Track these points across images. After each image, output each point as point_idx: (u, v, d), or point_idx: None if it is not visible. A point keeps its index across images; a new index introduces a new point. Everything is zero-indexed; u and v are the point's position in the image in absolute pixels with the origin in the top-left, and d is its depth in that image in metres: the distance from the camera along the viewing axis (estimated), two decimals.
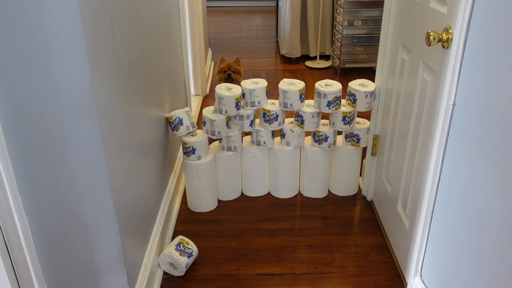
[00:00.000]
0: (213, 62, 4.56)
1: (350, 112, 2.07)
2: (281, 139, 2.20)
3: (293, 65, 4.57)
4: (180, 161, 2.38)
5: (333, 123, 2.11)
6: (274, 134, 2.18)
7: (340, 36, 4.07)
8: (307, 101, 2.13)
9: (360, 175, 2.34)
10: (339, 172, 2.25)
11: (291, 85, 2.03)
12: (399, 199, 1.78)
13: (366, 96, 2.02)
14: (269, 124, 2.10)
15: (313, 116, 2.07)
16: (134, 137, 1.53)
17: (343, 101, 2.10)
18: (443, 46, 1.32)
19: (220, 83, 2.71)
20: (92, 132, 1.17)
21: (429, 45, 1.32)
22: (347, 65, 4.19)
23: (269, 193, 2.33)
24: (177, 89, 2.45)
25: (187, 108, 2.05)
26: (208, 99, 3.65)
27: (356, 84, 2.05)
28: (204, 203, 2.18)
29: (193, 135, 2.08)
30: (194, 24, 3.39)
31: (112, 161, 1.27)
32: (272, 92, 3.72)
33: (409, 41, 1.68)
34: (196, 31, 3.43)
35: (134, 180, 1.52)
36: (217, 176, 2.20)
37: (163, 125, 2.00)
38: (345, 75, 4.20)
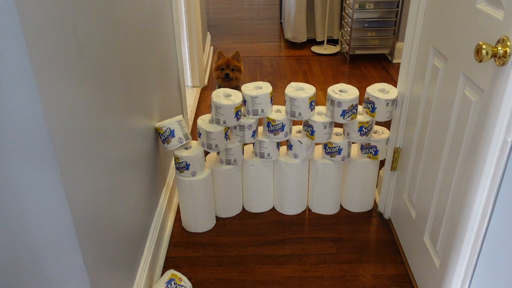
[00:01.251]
0: (212, 48, 4.24)
1: (367, 122, 1.79)
2: (287, 150, 1.93)
3: (298, 50, 4.25)
4: (173, 171, 2.12)
5: (348, 134, 1.84)
6: (279, 144, 1.91)
7: (350, 20, 3.73)
8: (317, 108, 1.85)
9: (376, 187, 2.08)
10: (353, 187, 1.99)
11: (300, 91, 1.75)
12: (427, 229, 1.52)
13: (388, 104, 1.74)
14: (274, 134, 1.82)
15: (325, 127, 1.79)
16: (113, 156, 1.27)
17: (360, 108, 1.82)
18: (497, 62, 1.03)
19: (217, 81, 2.43)
20: (47, 171, 0.91)
21: (480, 61, 1.04)
22: (357, 52, 3.87)
23: (273, 209, 2.07)
24: (170, 88, 2.16)
25: (180, 117, 1.78)
26: (206, 90, 3.36)
27: (376, 90, 1.77)
28: (200, 223, 1.93)
29: (186, 148, 1.81)
30: (190, 6, 3.06)
31: (79, 201, 1.01)
32: (276, 83, 3.43)
33: (444, 46, 1.38)
34: (193, 15, 3.10)
35: (114, 211, 1.26)
36: (215, 191, 1.94)
37: (152, 135, 1.73)
38: (355, 62, 3.88)
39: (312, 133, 1.81)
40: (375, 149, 1.88)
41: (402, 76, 1.74)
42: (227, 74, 2.37)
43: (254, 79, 3.57)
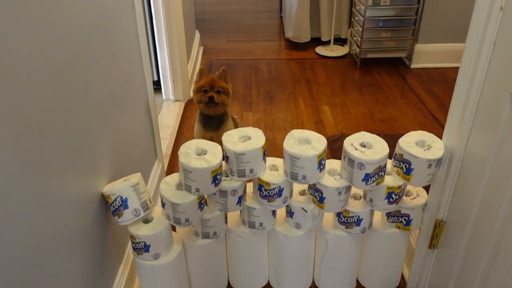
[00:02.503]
0: (202, 48, 3.69)
1: (399, 187, 1.28)
2: (287, 216, 1.42)
3: (301, 51, 3.70)
4: None
5: (371, 200, 1.33)
6: (275, 210, 1.40)
7: (361, 18, 3.18)
8: (329, 163, 1.33)
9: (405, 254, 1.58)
10: (375, 262, 1.49)
11: (305, 147, 1.23)
12: None
13: (430, 165, 1.22)
14: (269, 201, 1.31)
15: (339, 193, 1.28)
16: (22, 239, 0.77)
17: (388, 164, 1.30)
18: None
19: (198, 106, 1.91)
20: None
21: None
22: (369, 55, 3.32)
23: (268, 285, 1.57)
24: (133, 120, 1.65)
25: (136, 179, 1.26)
26: (191, 105, 2.83)
27: (412, 144, 1.24)
28: None
29: (147, 220, 1.31)
30: (169, 6, 2.52)
31: None
32: (275, 95, 2.89)
33: None
34: (173, 16, 2.56)
35: None
36: (189, 270, 1.44)
37: (97, 201, 1.23)
38: (366, 67, 3.34)
39: (321, 200, 1.30)
40: (407, 218, 1.37)
41: (451, 124, 1.22)
42: (211, 97, 1.85)
43: (248, 89, 3.04)
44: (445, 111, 2.69)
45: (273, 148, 2.34)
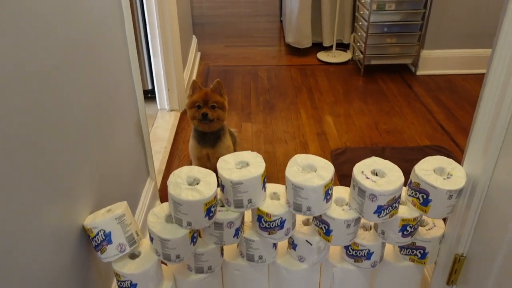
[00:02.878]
0: (199, 54, 3.56)
1: (415, 219, 1.15)
2: (289, 248, 1.29)
3: (302, 57, 3.56)
4: None
5: (383, 232, 1.19)
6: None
7: (365, 23, 3.05)
8: (336, 190, 1.19)
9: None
10: None
11: (310, 175, 1.09)
12: None
13: (451, 196, 1.09)
14: (269, 233, 1.18)
15: (348, 226, 1.14)
16: None
17: (403, 193, 1.16)
18: None
19: (192, 123, 1.78)
20: None
21: None
22: (373, 62, 3.19)
23: None
24: (121, 138, 1.51)
25: (121, 210, 1.12)
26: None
27: (430, 172, 1.11)
28: None
29: (134, 255, 1.17)
30: (164, 12, 2.39)
31: None
32: (275, 104, 2.75)
33: None
34: (168, 23, 2.43)
35: None
36: None
37: (77, 235, 1.09)
38: (370, 73, 3.21)
39: (327, 232, 1.17)
40: (422, 251, 1.23)
41: (474, 149, 1.09)
42: (205, 114, 1.71)
43: (247, 98, 2.91)
44: (454, 122, 2.56)
45: (273, 162, 2.21)
